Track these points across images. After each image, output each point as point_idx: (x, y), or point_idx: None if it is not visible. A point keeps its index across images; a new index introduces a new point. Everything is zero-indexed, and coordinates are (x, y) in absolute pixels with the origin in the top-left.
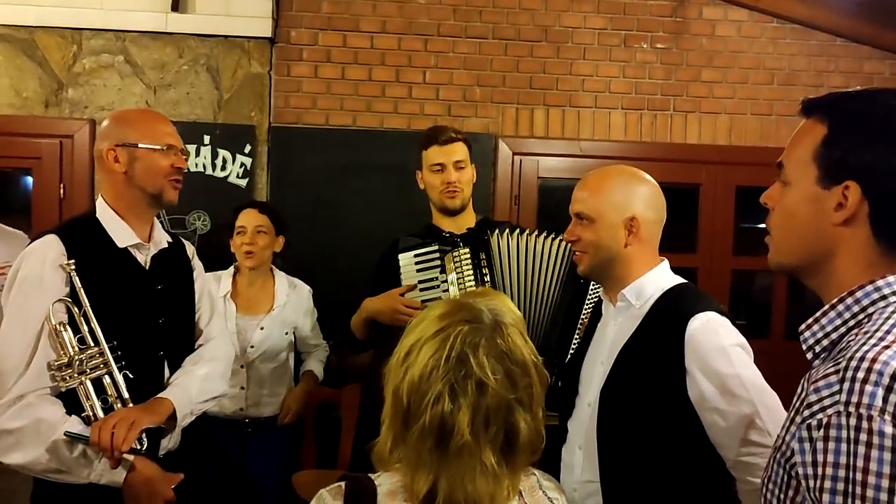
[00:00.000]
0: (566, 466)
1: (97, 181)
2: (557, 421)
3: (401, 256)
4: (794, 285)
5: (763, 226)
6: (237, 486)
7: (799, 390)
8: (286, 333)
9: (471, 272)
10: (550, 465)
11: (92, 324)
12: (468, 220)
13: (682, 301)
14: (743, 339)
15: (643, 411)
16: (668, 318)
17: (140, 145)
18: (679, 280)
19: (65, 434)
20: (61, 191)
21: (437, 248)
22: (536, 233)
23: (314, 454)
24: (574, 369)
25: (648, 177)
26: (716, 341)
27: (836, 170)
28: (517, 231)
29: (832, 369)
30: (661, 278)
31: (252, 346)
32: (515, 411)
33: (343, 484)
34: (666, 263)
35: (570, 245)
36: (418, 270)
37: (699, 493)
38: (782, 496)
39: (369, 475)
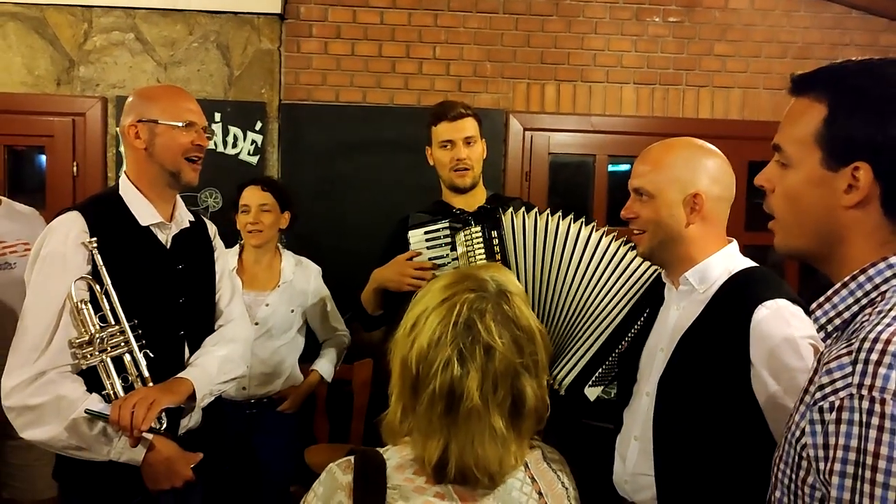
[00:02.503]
0: (620, 457)
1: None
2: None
3: (411, 234)
4: None
5: None
6: (247, 464)
7: (811, 372)
8: (292, 311)
9: (482, 251)
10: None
11: (113, 302)
12: (479, 196)
13: (749, 287)
14: (815, 332)
15: (703, 405)
16: (733, 304)
17: (160, 121)
18: (749, 263)
19: (85, 412)
20: (74, 168)
21: (447, 224)
22: (561, 214)
23: (326, 429)
24: (633, 356)
25: (716, 149)
26: (785, 332)
27: (843, 150)
28: (535, 210)
29: (844, 350)
30: (728, 261)
31: (256, 323)
32: (522, 376)
33: (352, 458)
34: (734, 245)
35: (606, 237)
36: (428, 248)
37: (762, 495)
38: (793, 476)
39: (378, 449)
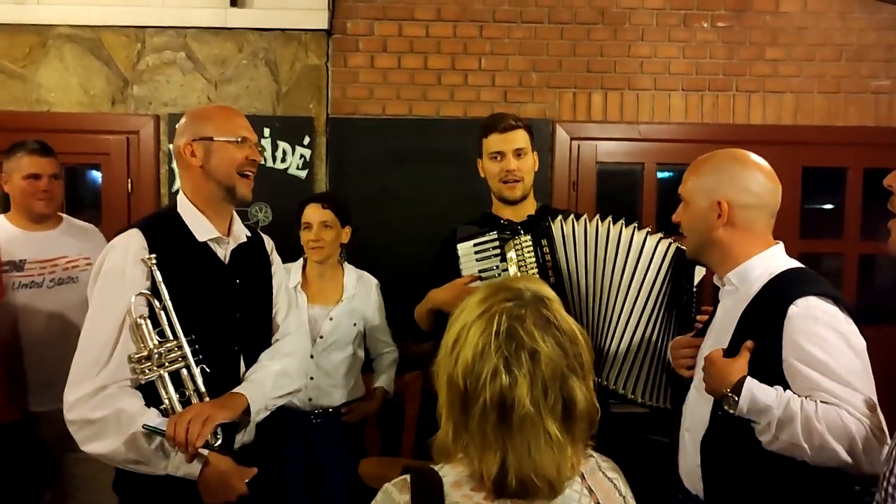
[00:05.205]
0: (680, 451)
1: (179, 177)
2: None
3: (460, 246)
4: (864, 267)
5: (830, 207)
6: (307, 474)
7: None
8: (354, 325)
9: (533, 260)
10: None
11: (171, 317)
12: (528, 208)
13: (785, 286)
14: (852, 328)
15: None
16: (769, 304)
17: (216, 138)
18: (792, 264)
19: (143, 427)
20: (129, 185)
21: (496, 236)
22: (611, 220)
23: (378, 441)
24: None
25: (756, 160)
26: (812, 328)
27: None
28: (584, 217)
29: None
30: (770, 262)
31: (321, 337)
32: (570, 378)
33: (408, 477)
34: (779, 247)
35: (664, 242)
36: (478, 260)
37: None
38: None
39: (433, 466)
